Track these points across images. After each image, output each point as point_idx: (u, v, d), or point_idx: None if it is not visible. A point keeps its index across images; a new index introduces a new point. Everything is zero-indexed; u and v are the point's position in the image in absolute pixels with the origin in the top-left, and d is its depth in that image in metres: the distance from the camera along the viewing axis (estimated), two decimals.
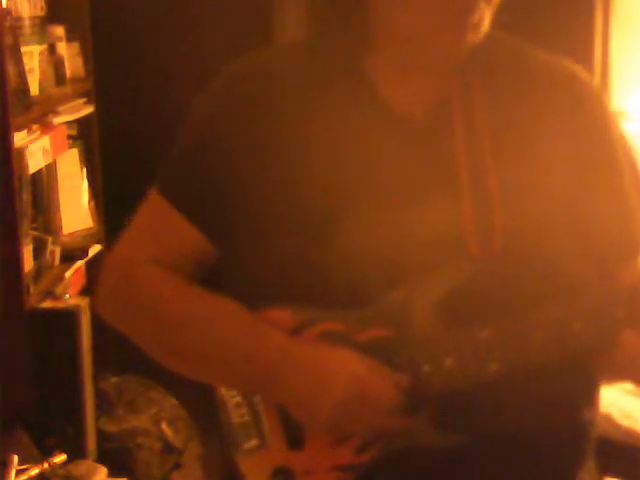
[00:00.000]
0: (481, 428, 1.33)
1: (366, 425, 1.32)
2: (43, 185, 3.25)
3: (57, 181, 3.32)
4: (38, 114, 3.13)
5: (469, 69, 1.38)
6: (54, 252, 3.20)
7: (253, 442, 1.39)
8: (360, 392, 1.30)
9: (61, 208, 3.34)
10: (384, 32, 1.37)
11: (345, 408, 1.30)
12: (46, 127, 3.16)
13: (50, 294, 3.11)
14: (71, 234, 3.41)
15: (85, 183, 3.54)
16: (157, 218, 1.44)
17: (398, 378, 1.31)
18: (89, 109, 3.53)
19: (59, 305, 3.06)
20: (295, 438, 1.37)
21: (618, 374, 1.41)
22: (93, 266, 3.39)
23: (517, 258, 1.33)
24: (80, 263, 3.35)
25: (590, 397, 1.43)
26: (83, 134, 3.55)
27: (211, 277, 1.43)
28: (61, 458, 2.86)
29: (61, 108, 3.31)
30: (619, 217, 1.41)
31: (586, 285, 1.35)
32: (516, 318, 1.30)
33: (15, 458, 2.72)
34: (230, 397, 1.41)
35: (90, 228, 3.53)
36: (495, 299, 1.32)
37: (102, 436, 3.20)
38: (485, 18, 1.32)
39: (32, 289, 2.98)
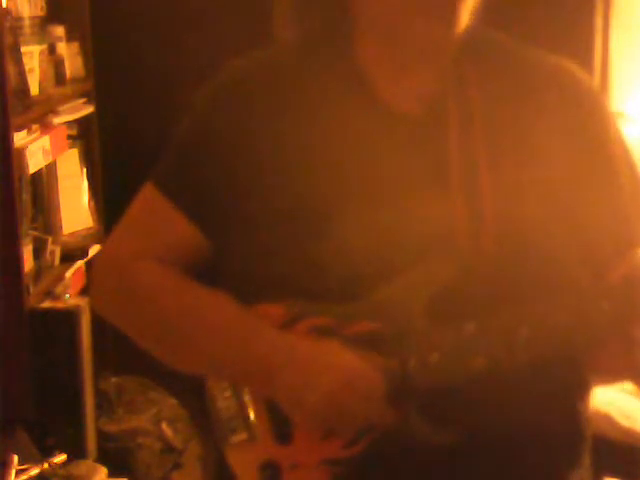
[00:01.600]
0: (471, 423, 1.33)
1: (354, 417, 1.32)
2: (43, 185, 3.25)
3: (57, 181, 3.32)
4: (38, 114, 3.13)
5: (465, 67, 1.38)
6: (54, 252, 3.20)
7: (241, 435, 1.40)
8: (348, 384, 1.30)
9: (61, 208, 3.34)
10: (366, 26, 1.38)
11: (333, 400, 1.30)
12: (46, 127, 3.16)
13: (50, 294, 3.11)
14: (71, 234, 3.41)
15: (85, 183, 3.54)
16: (152, 212, 1.45)
17: (386, 368, 1.31)
18: (89, 109, 3.54)
19: (59, 305, 3.06)
20: (283, 432, 1.37)
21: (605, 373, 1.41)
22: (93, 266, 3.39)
23: (508, 255, 1.33)
24: (80, 263, 3.35)
25: (582, 391, 1.43)
26: (83, 134, 3.56)
27: (206, 271, 1.43)
28: (61, 458, 2.86)
29: (61, 108, 3.31)
30: (613, 216, 1.41)
31: (576, 282, 1.35)
32: (502, 313, 1.30)
33: (15, 458, 2.72)
34: (219, 390, 1.41)
35: (90, 228, 3.53)
36: (485, 295, 1.32)
37: (102, 436, 3.21)
38: (463, 6, 1.32)
39: (32, 289, 2.98)
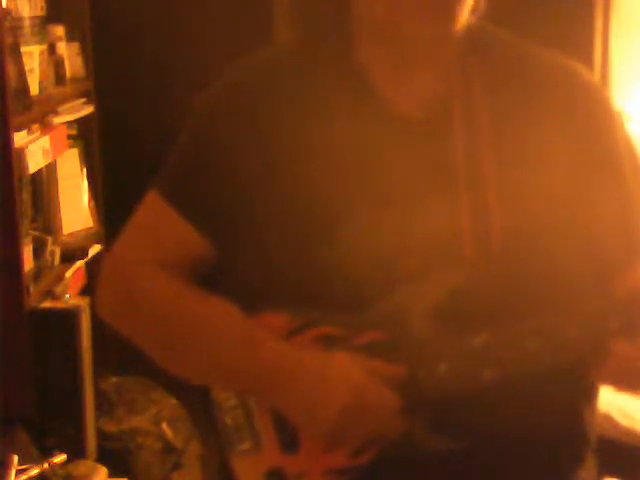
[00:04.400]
0: (478, 431, 1.32)
1: (365, 431, 1.31)
2: (43, 185, 3.25)
3: (57, 181, 3.32)
4: (38, 114, 3.13)
5: (470, 67, 1.37)
6: (54, 252, 3.20)
7: (247, 444, 1.39)
8: (360, 399, 1.29)
9: (61, 208, 3.34)
10: (368, 28, 1.37)
11: (345, 415, 1.29)
12: (46, 127, 3.16)
13: (50, 294, 3.11)
14: (71, 234, 3.41)
15: (85, 183, 3.54)
16: (156, 218, 1.44)
17: (395, 381, 1.31)
18: (89, 109, 3.53)
19: (59, 305, 3.06)
20: (289, 441, 1.37)
21: (608, 380, 1.40)
22: (93, 266, 3.39)
23: (515, 262, 1.32)
24: (80, 263, 3.35)
25: (588, 396, 1.43)
26: (83, 134, 3.55)
27: (210, 278, 1.43)
28: (61, 458, 2.86)
29: (61, 108, 3.31)
30: (620, 221, 1.39)
31: (584, 290, 1.34)
32: (511, 324, 1.29)
33: (15, 458, 2.72)
34: (224, 399, 1.40)
35: (90, 228, 3.53)
36: (492, 303, 1.31)
37: (102, 436, 3.20)
38: (458, 5, 1.31)
39: (32, 289, 2.98)
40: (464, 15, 1.33)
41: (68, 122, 3.36)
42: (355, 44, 1.39)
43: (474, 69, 1.37)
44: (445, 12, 1.31)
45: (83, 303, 3.06)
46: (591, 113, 1.40)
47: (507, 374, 1.29)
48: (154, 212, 1.44)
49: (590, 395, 1.43)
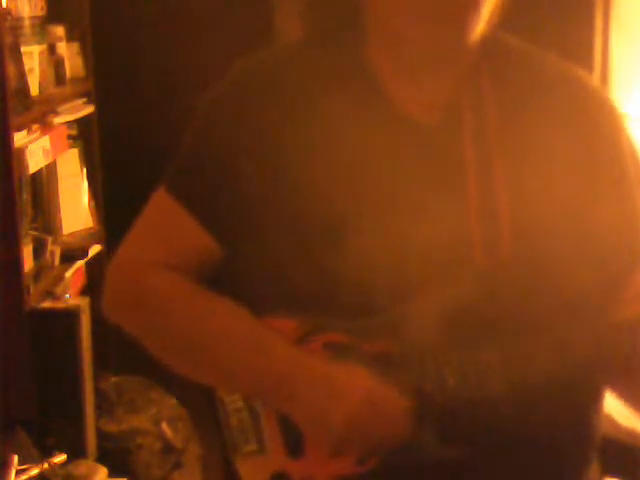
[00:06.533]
0: (485, 438, 1.31)
1: (373, 437, 1.30)
2: (43, 185, 3.25)
3: (57, 181, 3.33)
4: (38, 114, 3.13)
5: (480, 73, 1.36)
6: (54, 252, 3.20)
7: (252, 446, 1.39)
8: (373, 406, 1.29)
9: (61, 208, 3.34)
10: (380, 33, 1.36)
11: (358, 421, 1.29)
12: (46, 127, 3.16)
13: (50, 294, 3.10)
14: (71, 234, 3.41)
15: (85, 183, 3.54)
16: (165, 218, 1.42)
17: (402, 391, 1.30)
18: (89, 109, 3.54)
19: (59, 305, 3.06)
20: (295, 445, 1.36)
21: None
22: (93, 266, 3.39)
23: (523, 268, 1.31)
24: (80, 263, 3.35)
25: (595, 399, 1.42)
26: (83, 134, 3.55)
27: (215, 281, 1.42)
28: (61, 458, 2.86)
29: (61, 108, 3.31)
30: (625, 226, 1.38)
31: (591, 298, 1.34)
32: (520, 338, 1.29)
33: (15, 458, 2.72)
34: (230, 401, 1.40)
35: (90, 228, 3.53)
36: (501, 311, 1.30)
37: (102, 436, 3.20)
38: (479, 13, 1.31)
39: (32, 289, 2.98)
40: (480, 25, 1.32)
41: (68, 122, 3.36)
42: (365, 45, 1.37)
43: (485, 77, 1.36)
44: (462, 20, 1.30)
45: (83, 303, 3.05)
46: (596, 120, 1.39)
47: (515, 388, 1.28)
48: (162, 211, 1.42)
49: (597, 398, 1.42)
